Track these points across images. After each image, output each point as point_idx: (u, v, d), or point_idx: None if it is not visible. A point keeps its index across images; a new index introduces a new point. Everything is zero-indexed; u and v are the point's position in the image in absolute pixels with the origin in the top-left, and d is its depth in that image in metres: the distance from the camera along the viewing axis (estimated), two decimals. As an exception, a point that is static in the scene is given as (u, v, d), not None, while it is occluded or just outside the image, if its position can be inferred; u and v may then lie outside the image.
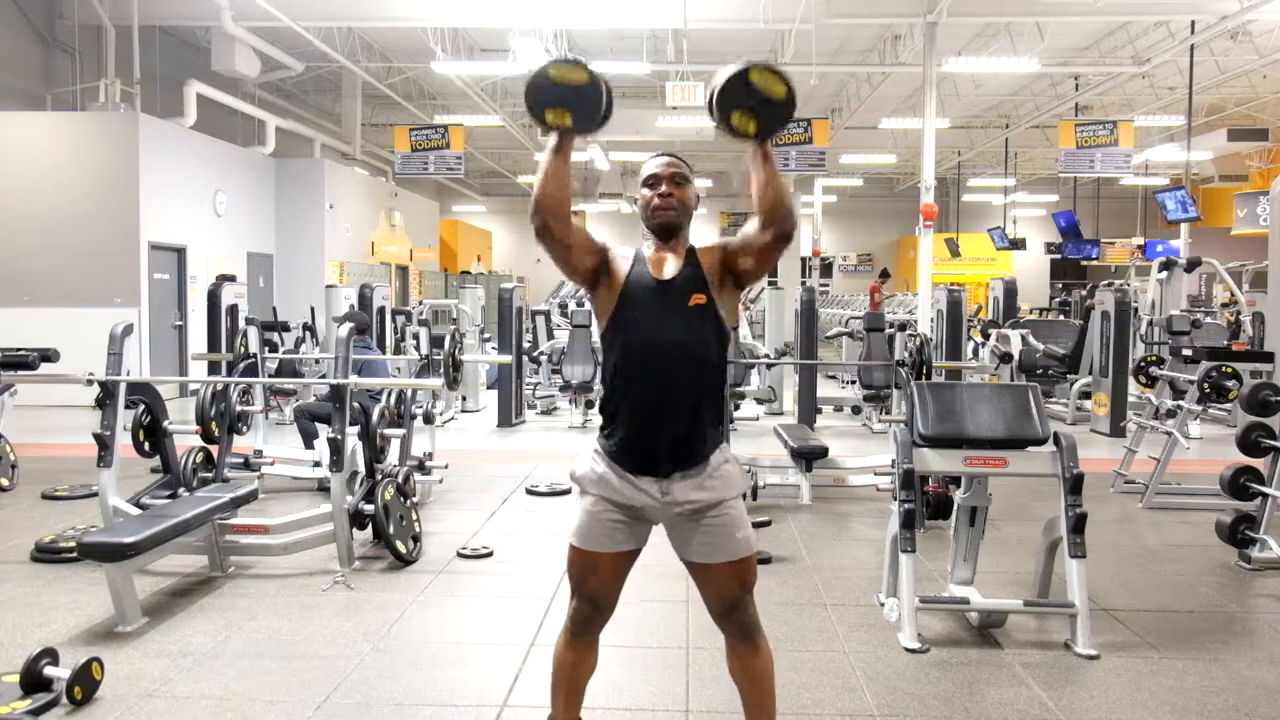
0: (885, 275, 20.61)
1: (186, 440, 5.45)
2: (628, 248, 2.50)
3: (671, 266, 2.42)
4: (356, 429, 4.83)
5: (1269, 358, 5.85)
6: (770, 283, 12.06)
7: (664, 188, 2.43)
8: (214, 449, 5.59)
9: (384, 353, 9.57)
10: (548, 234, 2.35)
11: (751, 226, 2.37)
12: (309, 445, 6.68)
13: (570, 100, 2.30)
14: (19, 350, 6.13)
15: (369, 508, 4.60)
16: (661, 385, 2.36)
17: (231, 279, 10.81)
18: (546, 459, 7.51)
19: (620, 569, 2.43)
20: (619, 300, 2.41)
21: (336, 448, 4.48)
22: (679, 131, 16.15)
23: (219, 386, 5.55)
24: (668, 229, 2.44)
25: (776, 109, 2.33)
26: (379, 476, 4.78)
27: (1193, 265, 11.39)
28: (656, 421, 2.36)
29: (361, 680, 3.28)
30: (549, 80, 2.29)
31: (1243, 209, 18.37)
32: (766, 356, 10.17)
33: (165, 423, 5.12)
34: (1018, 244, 22.43)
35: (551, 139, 2.34)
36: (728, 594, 2.41)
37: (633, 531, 2.41)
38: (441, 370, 6.82)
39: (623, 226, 29.78)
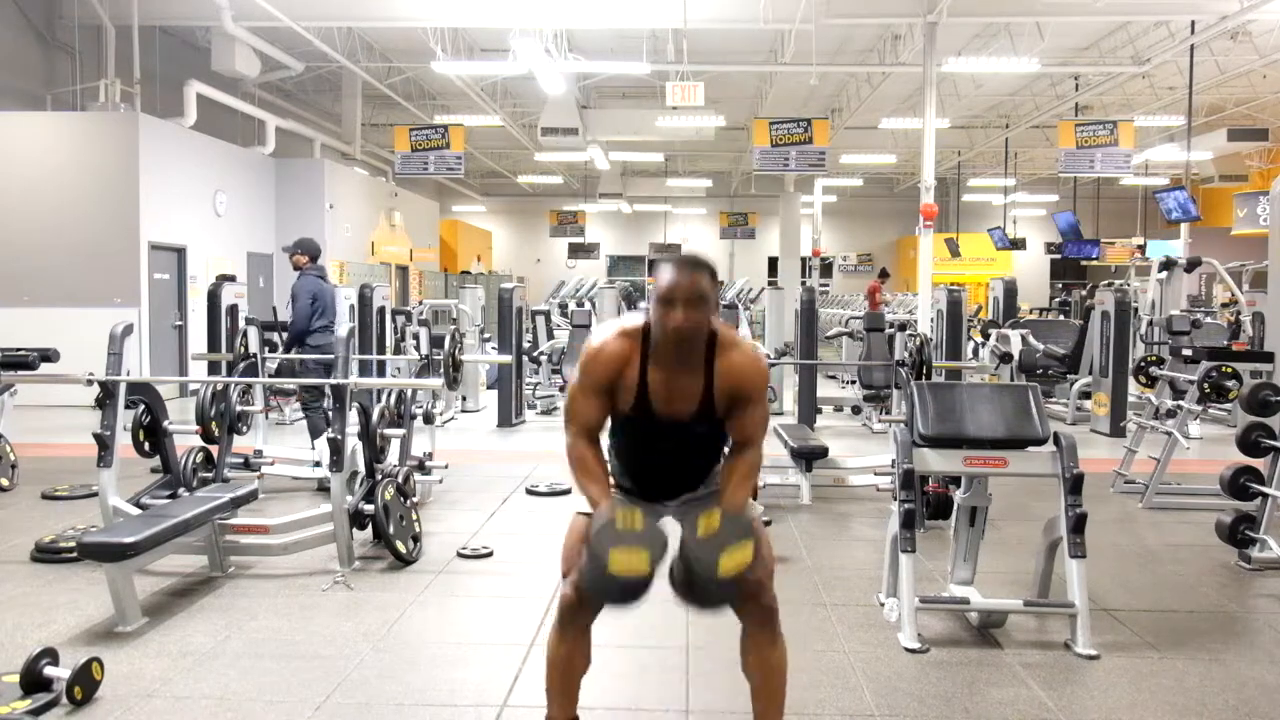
0: (884, 275, 20.59)
1: (186, 440, 5.45)
2: (630, 339, 2.44)
3: (683, 399, 2.43)
4: (356, 430, 4.83)
5: (1269, 358, 5.85)
6: (770, 283, 12.06)
7: (680, 315, 2.32)
8: (214, 449, 5.59)
9: (384, 353, 9.58)
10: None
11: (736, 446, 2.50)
12: (316, 435, 6.75)
13: (627, 594, 2.29)
14: (19, 350, 6.13)
15: (369, 508, 4.60)
16: (667, 471, 2.55)
17: (231, 279, 10.81)
18: (546, 459, 7.50)
19: None
20: (625, 417, 2.47)
21: (336, 448, 4.48)
22: (679, 132, 16.16)
23: (219, 386, 5.55)
24: (685, 347, 2.40)
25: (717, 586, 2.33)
26: (379, 476, 4.77)
27: (1193, 265, 11.39)
28: (662, 487, 2.57)
29: (361, 680, 3.28)
30: (612, 574, 2.25)
31: (1243, 209, 18.38)
32: (766, 356, 10.15)
33: (165, 423, 5.12)
34: (1018, 244, 22.43)
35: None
36: (749, 573, 2.41)
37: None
38: (441, 370, 6.83)
39: (623, 226, 29.82)
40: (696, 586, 2.26)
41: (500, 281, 13.93)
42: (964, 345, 10.29)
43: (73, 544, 4.42)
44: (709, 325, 2.37)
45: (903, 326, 10.51)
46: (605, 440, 2.58)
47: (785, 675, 2.47)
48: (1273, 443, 4.78)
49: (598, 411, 2.44)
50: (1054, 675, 3.39)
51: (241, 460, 6.17)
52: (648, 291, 2.59)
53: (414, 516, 4.85)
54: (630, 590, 2.24)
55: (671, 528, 2.46)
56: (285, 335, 7.31)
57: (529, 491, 6.28)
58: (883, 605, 3.97)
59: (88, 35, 11.90)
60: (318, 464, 6.08)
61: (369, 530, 4.74)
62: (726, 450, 2.57)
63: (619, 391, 2.42)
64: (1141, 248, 22.43)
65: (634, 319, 2.47)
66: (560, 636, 2.47)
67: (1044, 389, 7.50)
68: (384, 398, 5.20)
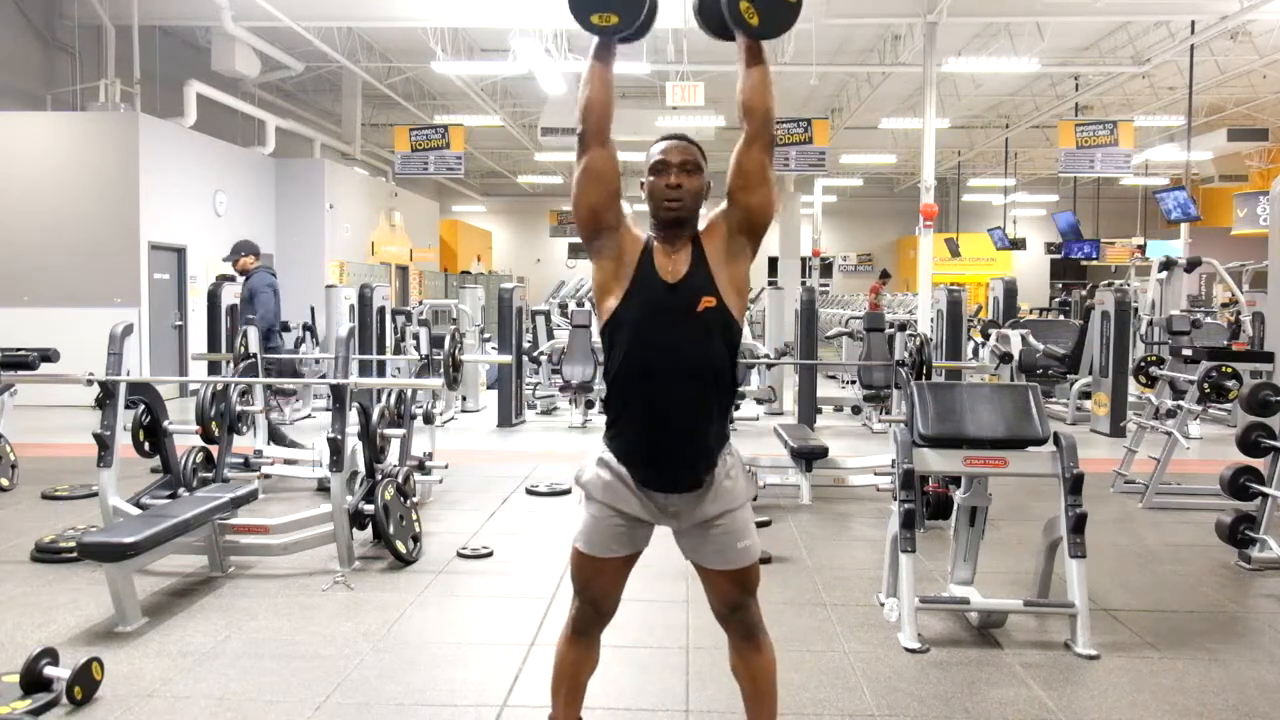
0: (885, 276, 20.58)
1: (186, 440, 5.45)
2: (640, 230, 2.39)
3: (679, 265, 2.31)
4: (356, 430, 4.83)
5: (1269, 358, 5.85)
6: (770, 283, 12.06)
7: (673, 178, 2.31)
8: (214, 449, 5.59)
9: (384, 353, 9.57)
10: (586, 141, 2.31)
11: (739, 148, 2.31)
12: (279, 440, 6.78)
13: (615, 3, 2.25)
14: (19, 350, 6.13)
15: (369, 508, 4.60)
16: (668, 397, 2.29)
17: (231, 279, 10.79)
18: (546, 459, 7.51)
19: (623, 573, 2.43)
20: (623, 299, 2.31)
21: (336, 448, 4.48)
22: (679, 132, 16.15)
23: (219, 386, 5.55)
24: (676, 223, 2.34)
25: (785, 6, 2.24)
26: (379, 476, 4.78)
27: (1193, 265, 11.39)
28: (663, 433, 2.30)
29: (361, 680, 3.28)
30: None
31: (1243, 209, 18.37)
32: (766, 356, 10.17)
33: (165, 423, 5.12)
34: (1018, 244, 22.43)
35: (594, 44, 2.30)
36: (730, 598, 2.41)
37: (634, 537, 2.39)
38: (441, 370, 6.83)
39: (623, 226, 29.75)
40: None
41: (500, 281, 13.93)
42: (964, 345, 10.30)
43: (73, 544, 4.42)
44: (700, 197, 2.35)
45: (903, 326, 10.51)
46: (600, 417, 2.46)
47: (775, 679, 2.47)
48: (1273, 443, 4.78)
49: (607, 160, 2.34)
50: (1054, 675, 3.39)
51: (241, 460, 6.17)
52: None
53: (414, 516, 4.85)
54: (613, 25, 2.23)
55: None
56: (253, 333, 7.38)
57: (529, 491, 6.28)
58: (883, 605, 3.97)
59: (88, 35, 11.90)
60: (318, 464, 6.08)
61: (369, 530, 4.74)
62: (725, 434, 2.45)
63: (619, 264, 2.33)
64: (1141, 248, 22.44)
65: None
66: (571, 643, 2.47)
67: (1044, 389, 7.50)
68: (384, 398, 5.20)
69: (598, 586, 2.41)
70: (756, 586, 2.42)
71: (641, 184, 2.39)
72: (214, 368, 10.17)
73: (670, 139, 2.39)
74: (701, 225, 2.39)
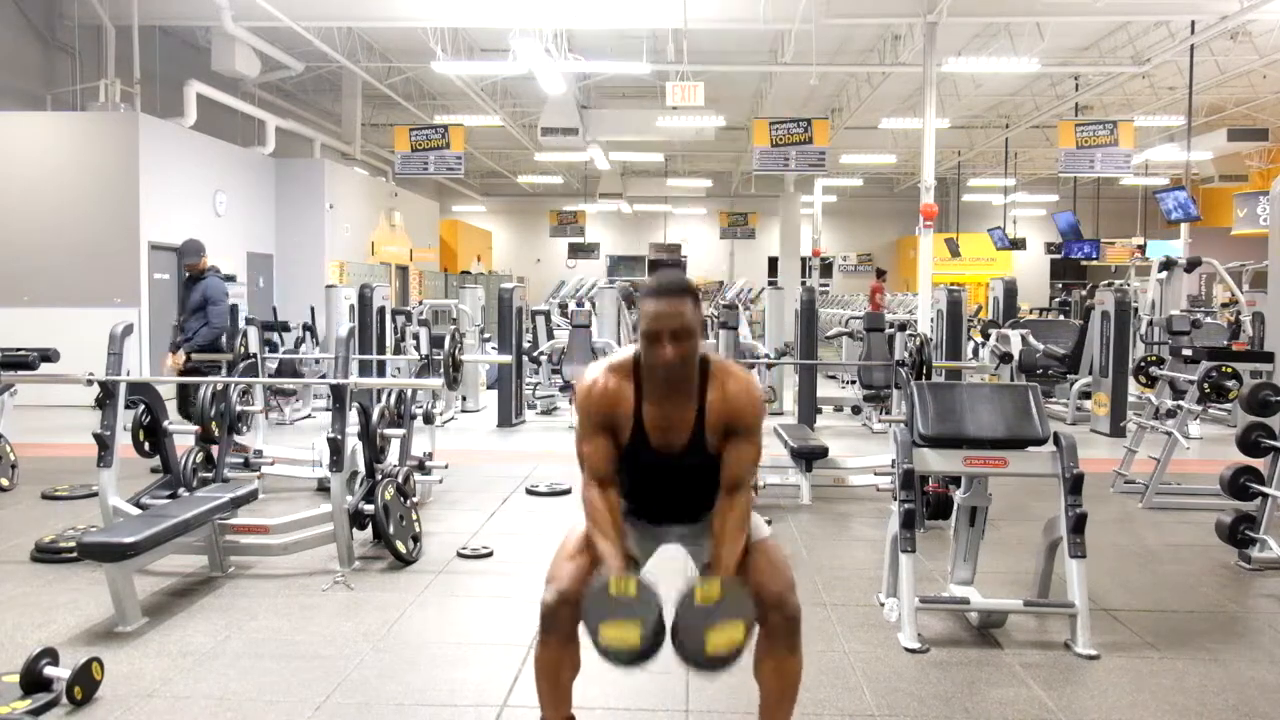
0: (882, 274, 20.61)
1: (186, 440, 5.45)
2: (623, 376, 2.46)
3: (679, 432, 2.42)
4: (356, 430, 4.83)
5: (1269, 358, 5.85)
6: (770, 283, 12.06)
7: (668, 351, 2.33)
8: (215, 449, 5.58)
9: (384, 353, 9.57)
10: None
11: (729, 474, 2.43)
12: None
13: (624, 662, 2.25)
14: (19, 350, 6.14)
15: (369, 508, 4.60)
16: (668, 501, 2.56)
17: (231, 279, 10.79)
18: (546, 459, 7.51)
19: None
20: (624, 449, 2.46)
21: (336, 448, 4.48)
22: (679, 132, 16.16)
23: (219, 386, 5.55)
24: (675, 379, 2.41)
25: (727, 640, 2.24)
26: (379, 476, 4.77)
27: (1193, 265, 11.39)
28: (664, 513, 2.61)
29: (361, 680, 3.28)
30: (604, 648, 2.24)
31: (1243, 209, 18.38)
32: (766, 356, 10.17)
33: (165, 423, 5.13)
34: (1018, 244, 22.43)
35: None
36: (772, 587, 2.38)
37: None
38: (441, 370, 6.83)
39: (622, 227, 29.83)
40: (687, 656, 2.23)
41: (500, 281, 13.93)
42: (964, 345, 10.30)
43: (73, 544, 4.42)
44: (697, 354, 2.40)
45: (903, 326, 10.51)
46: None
47: (799, 686, 2.46)
48: (1273, 443, 4.78)
49: (604, 451, 2.43)
50: (1054, 675, 3.39)
51: (241, 460, 6.17)
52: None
53: (414, 516, 4.85)
54: (626, 660, 2.22)
55: (671, 566, 2.46)
56: (198, 335, 6.92)
57: (529, 491, 6.28)
58: (883, 605, 3.97)
59: (88, 35, 11.90)
60: (318, 464, 6.08)
61: (369, 530, 4.74)
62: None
63: (616, 426, 2.43)
64: (1141, 248, 22.45)
65: (623, 353, 2.50)
66: (544, 643, 2.46)
67: (1044, 389, 7.50)
68: (384, 398, 5.20)
69: (569, 569, 2.52)
70: (791, 576, 2.43)
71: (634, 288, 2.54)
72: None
73: (662, 294, 2.35)
74: (725, 378, 2.46)
